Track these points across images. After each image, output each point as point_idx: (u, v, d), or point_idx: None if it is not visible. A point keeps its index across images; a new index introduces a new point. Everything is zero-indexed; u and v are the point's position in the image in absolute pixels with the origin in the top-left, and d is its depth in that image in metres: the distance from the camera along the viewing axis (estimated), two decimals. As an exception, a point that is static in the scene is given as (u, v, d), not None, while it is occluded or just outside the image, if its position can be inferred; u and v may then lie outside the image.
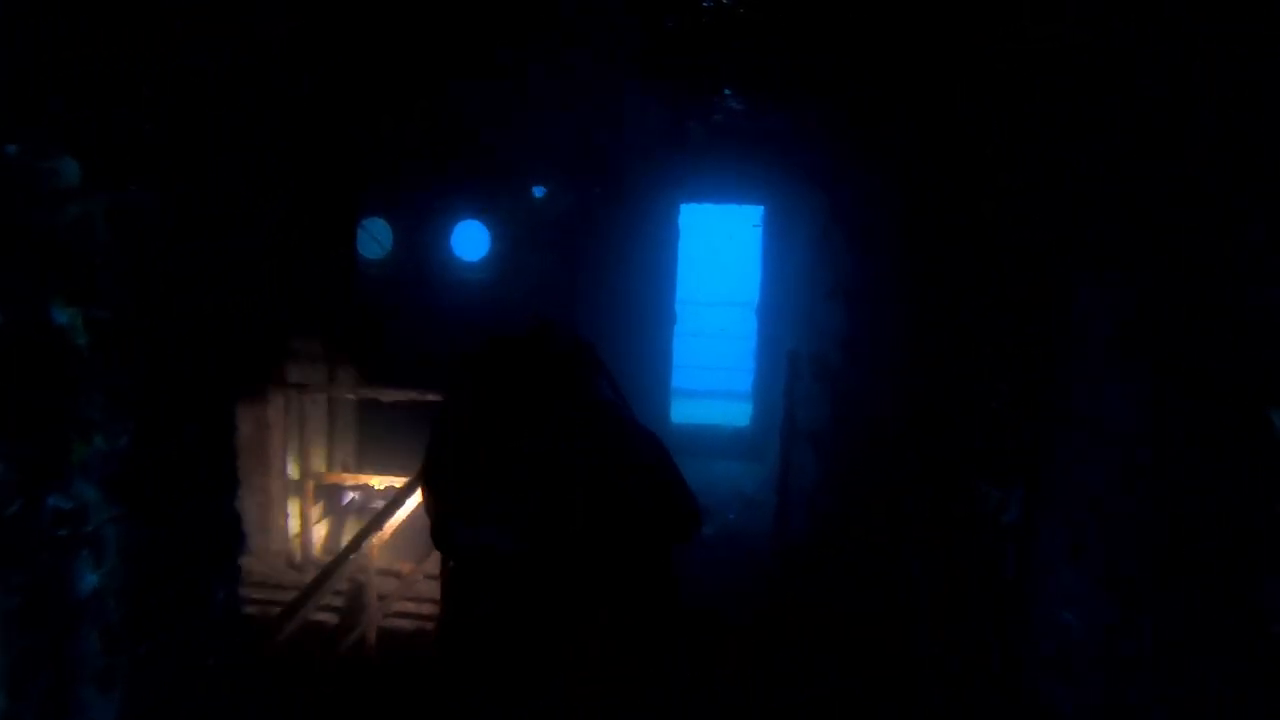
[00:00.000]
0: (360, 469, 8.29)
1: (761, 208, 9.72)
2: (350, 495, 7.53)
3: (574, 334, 2.79)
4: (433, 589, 5.70)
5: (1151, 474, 2.44)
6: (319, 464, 7.19)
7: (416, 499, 5.95)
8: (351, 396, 7.73)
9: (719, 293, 13.26)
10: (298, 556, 6.56)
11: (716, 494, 8.47)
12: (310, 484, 6.72)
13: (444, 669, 2.85)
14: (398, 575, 6.12)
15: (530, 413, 2.59)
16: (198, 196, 2.72)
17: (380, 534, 5.35)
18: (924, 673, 3.43)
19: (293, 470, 6.71)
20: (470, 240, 9.50)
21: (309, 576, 5.63)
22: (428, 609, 5.66)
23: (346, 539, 6.63)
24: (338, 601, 5.66)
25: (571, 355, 2.71)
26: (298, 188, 6.65)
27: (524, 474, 2.54)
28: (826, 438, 6.06)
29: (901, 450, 4.02)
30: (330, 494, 7.22)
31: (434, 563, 5.91)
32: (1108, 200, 2.56)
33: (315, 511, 6.89)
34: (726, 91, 6.02)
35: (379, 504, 6.27)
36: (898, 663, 3.73)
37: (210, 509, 2.94)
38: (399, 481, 6.52)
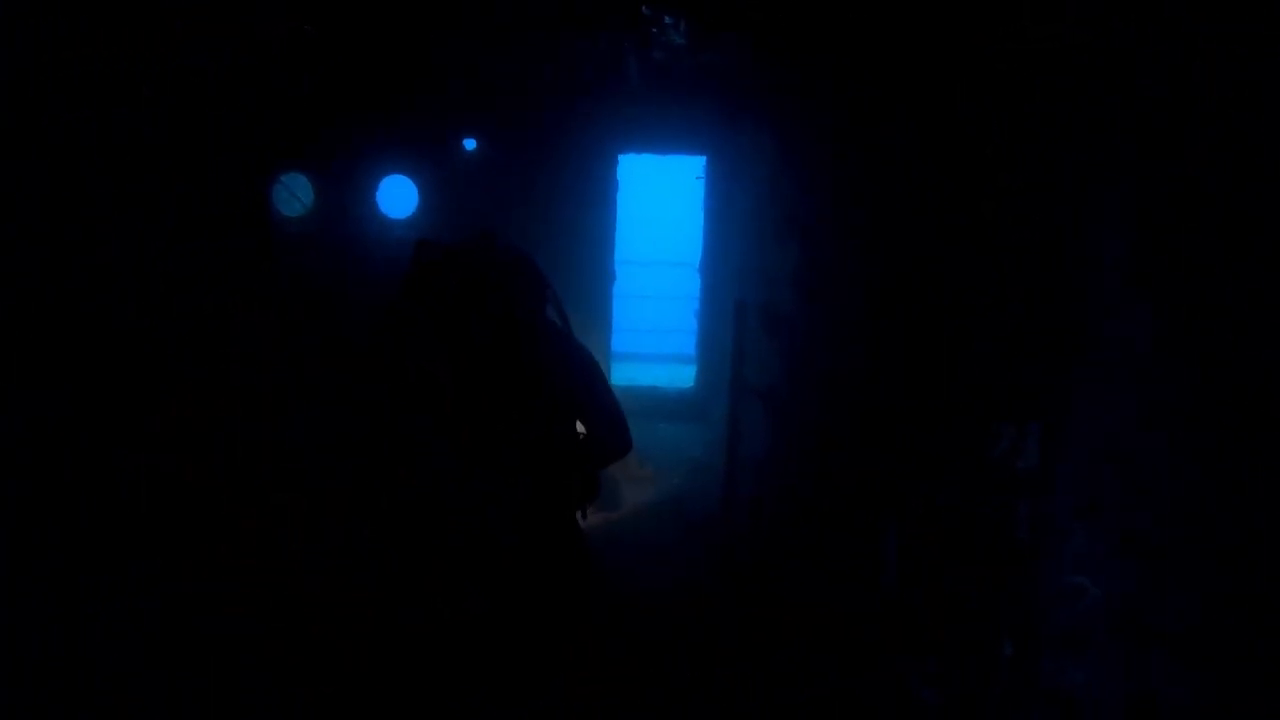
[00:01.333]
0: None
1: (704, 158, 9.28)
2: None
3: (515, 246, 2.80)
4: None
5: (1180, 416, 2.08)
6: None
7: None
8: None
9: (661, 252, 12.78)
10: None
11: (661, 457, 8.11)
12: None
13: None
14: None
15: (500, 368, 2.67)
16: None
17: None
18: (911, 662, 3.06)
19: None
20: (397, 196, 9.01)
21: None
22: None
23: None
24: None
25: (514, 269, 2.74)
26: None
27: (514, 459, 2.69)
28: (779, 392, 5.69)
29: (877, 396, 3.64)
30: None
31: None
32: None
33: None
34: (667, 20, 5.56)
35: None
36: (880, 648, 3.34)
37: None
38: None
